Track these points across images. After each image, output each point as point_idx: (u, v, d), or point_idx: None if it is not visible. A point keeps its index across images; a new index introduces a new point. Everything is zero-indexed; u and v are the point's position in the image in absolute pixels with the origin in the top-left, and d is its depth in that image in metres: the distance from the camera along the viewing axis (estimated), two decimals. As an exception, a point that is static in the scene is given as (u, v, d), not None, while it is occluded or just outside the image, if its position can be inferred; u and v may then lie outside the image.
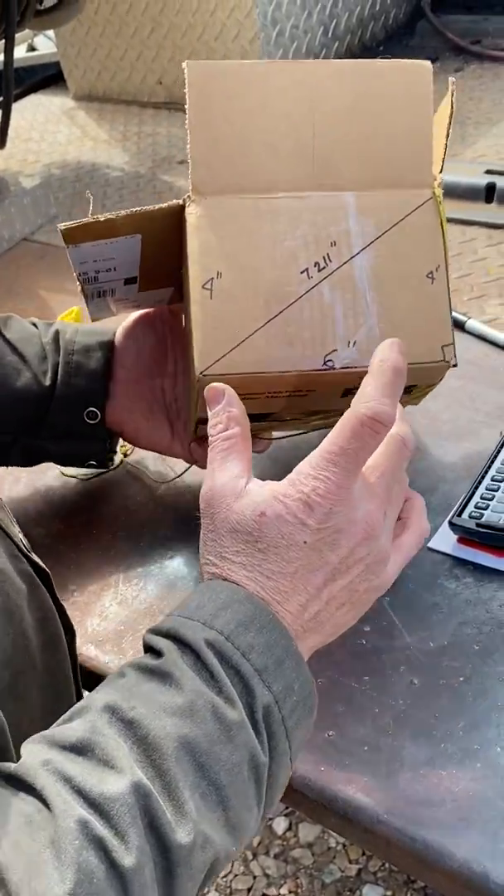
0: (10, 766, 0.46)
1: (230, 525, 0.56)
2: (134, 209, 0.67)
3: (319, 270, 0.66)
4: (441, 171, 0.69)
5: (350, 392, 0.68)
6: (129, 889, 0.43)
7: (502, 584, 0.72)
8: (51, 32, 2.06)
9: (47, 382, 0.80)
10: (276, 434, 0.85)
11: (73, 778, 0.45)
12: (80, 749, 0.47)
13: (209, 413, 0.61)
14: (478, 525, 0.73)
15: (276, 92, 0.66)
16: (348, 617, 0.58)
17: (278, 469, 0.87)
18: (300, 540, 0.55)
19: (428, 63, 0.69)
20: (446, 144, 0.69)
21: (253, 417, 0.74)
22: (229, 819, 0.48)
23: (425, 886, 1.69)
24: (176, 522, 0.85)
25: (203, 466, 0.85)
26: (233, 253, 0.65)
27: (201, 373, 0.64)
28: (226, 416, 0.60)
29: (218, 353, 0.64)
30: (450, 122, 0.69)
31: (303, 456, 0.57)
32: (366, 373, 0.59)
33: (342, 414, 0.56)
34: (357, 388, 0.58)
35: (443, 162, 0.69)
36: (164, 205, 0.67)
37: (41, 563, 0.62)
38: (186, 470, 0.88)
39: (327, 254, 0.66)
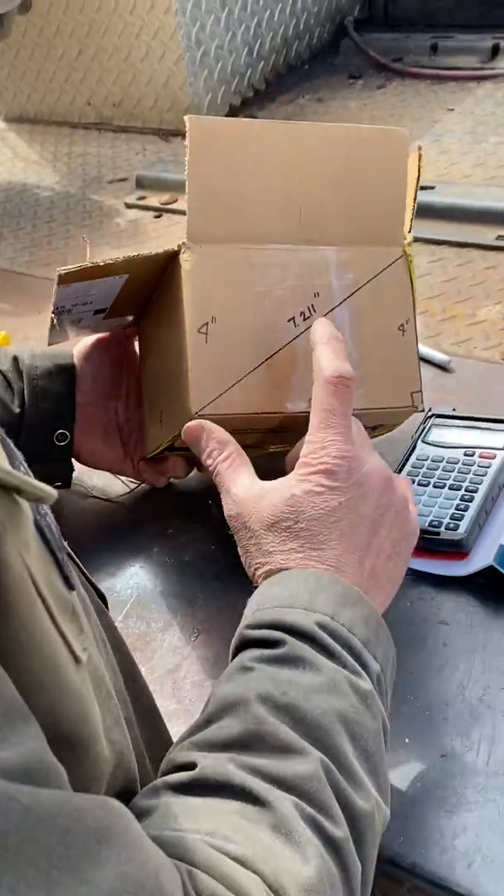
0: (188, 775, 0.46)
1: (266, 523, 0.59)
2: (132, 255, 0.70)
3: (305, 319, 0.70)
4: (410, 231, 0.74)
5: None
6: (345, 860, 0.45)
7: (415, 582, 0.75)
8: (-20, 55, 2.07)
9: (17, 410, 0.81)
10: None
11: (262, 768, 0.46)
12: (249, 742, 0.47)
13: (197, 448, 0.66)
14: (389, 526, 0.76)
15: (269, 150, 0.70)
16: (397, 570, 0.62)
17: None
18: (335, 503, 0.58)
19: (405, 131, 0.73)
20: (414, 206, 0.74)
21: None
22: (380, 784, 0.51)
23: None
24: (98, 537, 0.87)
25: (153, 484, 0.88)
26: (226, 299, 0.68)
27: (196, 412, 0.67)
28: (214, 440, 0.65)
29: (212, 395, 0.67)
30: (417, 184, 0.74)
31: (263, 473, 0.63)
32: None
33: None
34: None
35: (411, 222, 0.74)
36: (160, 251, 0.69)
37: (100, 588, 0.60)
38: (138, 486, 0.90)
39: (312, 304, 0.70)
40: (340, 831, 0.45)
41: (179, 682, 0.71)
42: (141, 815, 0.44)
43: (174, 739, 0.53)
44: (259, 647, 0.53)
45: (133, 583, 0.81)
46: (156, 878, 0.34)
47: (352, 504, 0.58)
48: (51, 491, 0.35)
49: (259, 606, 0.56)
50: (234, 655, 0.55)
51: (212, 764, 0.46)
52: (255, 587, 0.60)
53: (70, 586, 0.40)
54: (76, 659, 0.38)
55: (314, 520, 0.58)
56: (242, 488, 0.62)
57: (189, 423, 0.66)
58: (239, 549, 0.62)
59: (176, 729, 0.63)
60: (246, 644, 0.54)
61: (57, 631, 0.37)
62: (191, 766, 0.47)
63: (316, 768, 0.46)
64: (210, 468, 0.65)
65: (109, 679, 0.47)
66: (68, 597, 0.39)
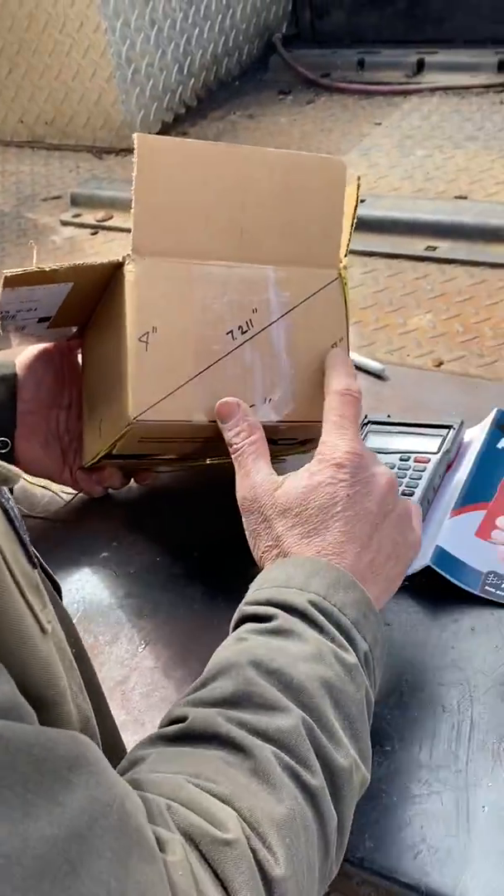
0: (179, 726, 0.51)
1: (279, 509, 0.64)
2: (77, 263, 0.71)
3: (243, 333, 0.72)
4: (346, 256, 0.77)
5: None
6: (320, 807, 0.49)
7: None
8: None
9: None
10: (160, 469, 0.90)
11: (247, 722, 0.50)
12: (238, 700, 0.52)
13: (225, 425, 0.69)
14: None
15: (214, 171, 0.72)
16: (396, 571, 0.65)
17: (178, 495, 0.91)
18: (343, 494, 0.62)
19: (342, 161, 0.77)
20: (351, 232, 0.77)
21: (141, 457, 0.80)
22: (361, 749, 0.54)
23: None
24: (42, 552, 0.87)
25: (89, 493, 0.89)
26: (167, 311, 0.70)
27: (135, 418, 0.68)
28: (247, 423, 0.69)
29: (151, 401, 0.69)
30: (354, 212, 0.77)
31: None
32: (279, 426, 0.73)
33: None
34: (266, 439, 0.68)
35: (348, 247, 0.77)
36: (105, 261, 0.71)
37: (55, 577, 0.62)
38: (74, 497, 0.91)
39: (250, 319, 0.72)
40: (316, 781, 0.49)
41: (128, 693, 0.72)
42: (135, 762, 0.49)
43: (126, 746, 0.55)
44: (254, 621, 0.58)
45: (79, 596, 0.82)
46: (121, 802, 0.38)
47: (357, 498, 0.63)
48: (17, 471, 0.39)
49: (259, 587, 0.61)
50: (234, 629, 0.59)
51: (201, 717, 0.51)
52: (261, 569, 0.64)
53: (33, 564, 0.43)
54: (42, 629, 0.41)
55: (321, 508, 0.62)
56: (262, 475, 0.66)
57: (226, 399, 0.69)
58: (246, 531, 0.66)
59: (126, 739, 0.64)
60: (243, 619, 0.59)
61: (24, 601, 0.40)
62: (182, 718, 0.51)
63: (297, 724, 0.50)
64: (234, 447, 0.68)
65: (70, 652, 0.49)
66: (32, 573, 0.42)
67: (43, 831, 0.33)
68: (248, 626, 0.58)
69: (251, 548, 0.66)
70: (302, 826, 0.47)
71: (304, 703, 0.52)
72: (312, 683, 0.53)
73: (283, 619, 0.56)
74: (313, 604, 0.57)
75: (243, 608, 0.60)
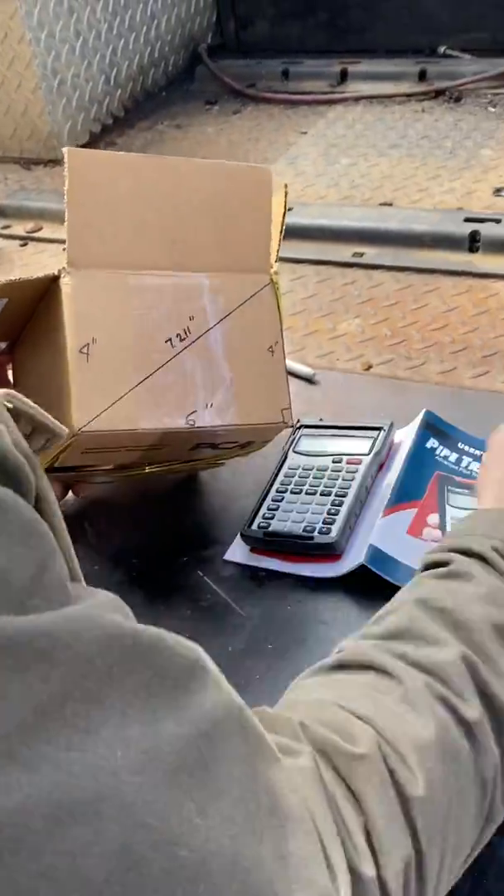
0: (337, 656, 0.52)
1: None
2: (12, 279, 0.71)
3: (181, 340, 0.73)
4: (276, 261, 0.79)
5: (199, 446, 0.77)
6: (477, 739, 0.48)
7: (293, 586, 0.78)
8: None
9: None
10: (98, 479, 0.90)
11: (404, 653, 0.51)
12: (401, 634, 0.53)
13: None
14: (265, 534, 0.79)
15: (145, 182, 0.73)
16: None
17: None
18: None
19: (269, 169, 0.79)
20: (280, 238, 0.79)
21: (81, 468, 0.80)
22: None
23: None
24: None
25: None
26: (105, 322, 0.71)
27: (80, 429, 0.69)
28: None
29: (94, 412, 0.69)
30: (283, 219, 0.79)
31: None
32: (221, 430, 0.73)
33: (181, 463, 0.67)
34: (207, 444, 0.69)
35: (277, 253, 0.79)
36: (41, 275, 0.72)
37: None
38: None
39: (187, 326, 0.74)
40: (473, 713, 0.49)
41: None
42: (295, 689, 0.52)
43: None
44: (432, 567, 0.60)
45: (19, 608, 0.82)
46: (240, 709, 0.38)
47: None
48: (62, 427, 0.41)
49: (448, 536, 0.63)
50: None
51: (360, 648, 0.53)
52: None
53: None
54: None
55: None
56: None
57: None
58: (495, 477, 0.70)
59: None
60: (424, 567, 0.61)
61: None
62: (341, 650, 0.54)
63: (456, 658, 0.50)
64: None
65: None
66: None
67: (172, 730, 0.33)
68: (426, 572, 0.59)
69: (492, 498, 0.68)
70: (451, 754, 0.47)
71: (471, 641, 0.52)
72: (482, 624, 0.53)
73: (459, 563, 0.58)
74: (496, 549, 0.58)
75: (425, 556, 0.62)
